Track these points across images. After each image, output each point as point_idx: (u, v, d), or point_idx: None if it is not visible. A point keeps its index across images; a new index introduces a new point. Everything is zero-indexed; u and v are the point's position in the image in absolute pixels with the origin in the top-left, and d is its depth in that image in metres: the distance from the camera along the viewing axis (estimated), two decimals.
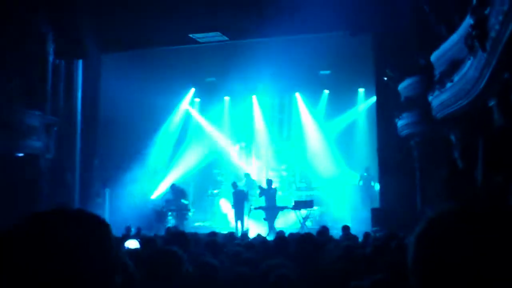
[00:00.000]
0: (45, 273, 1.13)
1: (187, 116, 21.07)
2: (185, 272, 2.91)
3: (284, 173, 19.74)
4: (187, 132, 20.98)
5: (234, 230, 13.83)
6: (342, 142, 19.24)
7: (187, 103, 21.05)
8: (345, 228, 9.80)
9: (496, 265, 1.01)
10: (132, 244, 6.01)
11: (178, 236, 5.12)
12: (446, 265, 1.04)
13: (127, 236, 8.37)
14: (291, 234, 7.40)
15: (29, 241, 1.15)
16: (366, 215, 14.07)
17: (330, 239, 7.96)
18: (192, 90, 20.88)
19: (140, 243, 5.99)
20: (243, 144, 20.92)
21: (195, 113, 21.33)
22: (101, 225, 1.25)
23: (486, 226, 1.05)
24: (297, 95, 20.41)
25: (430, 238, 1.09)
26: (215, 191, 19.32)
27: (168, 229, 11.45)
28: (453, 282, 1.03)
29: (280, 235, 6.28)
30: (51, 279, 1.13)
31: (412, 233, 1.13)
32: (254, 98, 20.73)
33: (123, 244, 5.96)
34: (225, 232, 10.20)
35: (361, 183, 17.92)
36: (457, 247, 1.04)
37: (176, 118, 20.68)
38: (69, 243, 1.17)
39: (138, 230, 10.09)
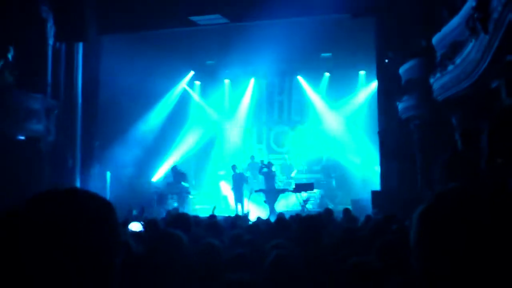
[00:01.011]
0: (47, 254, 1.13)
1: (187, 98, 20.99)
2: (186, 253, 2.93)
3: (286, 156, 19.77)
4: (187, 114, 20.95)
5: (234, 213, 13.90)
6: (343, 125, 19.24)
7: (186, 85, 20.95)
8: (346, 211, 9.86)
9: (497, 244, 1.01)
10: (135, 226, 6.05)
11: (180, 218, 5.14)
12: (448, 244, 1.04)
13: (129, 218, 8.42)
14: (291, 216, 7.42)
15: (32, 221, 1.15)
16: (367, 197, 14.11)
17: (332, 221, 8.01)
18: (191, 72, 20.78)
19: (143, 225, 6.03)
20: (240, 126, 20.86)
21: (195, 96, 21.27)
22: (105, 205, 1.25)
23: (489, 206, 1.05)
24: (300, 78, 20.30)
25: (433, 217, 1.09)
26: (221, 172, 19.32)
27: (169, 212, 11.51)
28: (455, 261, 1.03)
29: (280, 217, 6.32)
30: (52, 259, 1.13)
31: (415, 213, 1.14)
32: (252, 81, 20.61)
33: (127, 226, 5.99)
34: (226, 215, 10.25)
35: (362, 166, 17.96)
36: (460, 226, 1.04)
37: (174, 99, 20.60)
38: (72, 222, 1.16)
39: (142, 209, 10.06)
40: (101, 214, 1.23)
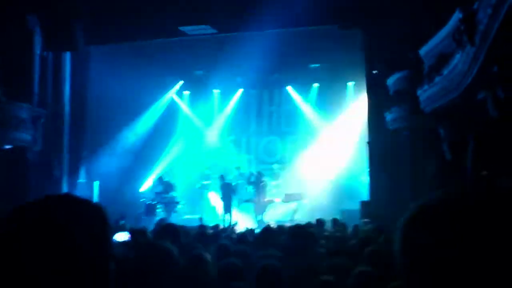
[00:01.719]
0: (43, 261, 1.13)
1: (175, 108, 20.96)
2: (176, 266, 2.90)
3: (276, 166, 19.75)
4: (175, 124, 20.89)
5: (222, 223, 13.84)
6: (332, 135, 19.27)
7: (174, 95, 20.92)
8: (334, 221, 9.88)
9: (483, 252, 1.01)
10: (121, 236, 5.97)
11: (168, 229, 5.10)
12: (433, 254, 1.04)
13: (115, 229, 8.34)
14: (279, 226, 7.42)
15: (28, 228, 1.16)
16: (355, 207, 14.13)
17: (322, 231, 8.01)
18: (180, 82, 20.75)
19: (131, 235, 5.96)
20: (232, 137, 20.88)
21: (183, 105, 21.23)
22: (98, 210, 1.26)
23: (473, 213, 1.05)
24: (289, 88, 20.37)
25: (416, 227, 1.09)
26: (205, 182, 19.25)
27: (158, 221, 11.44)
28: (440, 271, 1.03)
29: (268, 227, 6.31)
30: (48, 266, 1.13)
31: (399, 222, 1.13)
32: (239, 91, 20.63)
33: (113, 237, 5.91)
34: (213, 224, 10.21)
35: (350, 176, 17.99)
36: (444, 235, 1.04)
37: (162, 109, 20.56)
38: (67, 227, 1.17)
39: (123, 217, 9.94)
40: (95, 219, 1.24)
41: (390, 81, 12.40)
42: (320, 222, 8.97)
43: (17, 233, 1.16)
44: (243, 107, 20.76)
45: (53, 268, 1.13)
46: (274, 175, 19.18)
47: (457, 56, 8.06)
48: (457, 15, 7.80)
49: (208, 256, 3.40)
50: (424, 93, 9.99)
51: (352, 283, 3.19)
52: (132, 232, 6.15)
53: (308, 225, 8.33)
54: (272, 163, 19.95)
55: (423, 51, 10.22)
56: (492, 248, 1.01)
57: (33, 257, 1.13)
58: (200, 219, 10.22)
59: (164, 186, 16.94)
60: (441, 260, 1.02)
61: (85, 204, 1.26)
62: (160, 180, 17.49)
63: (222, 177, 16.66)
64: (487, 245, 1.01)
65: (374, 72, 13.46)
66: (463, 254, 1.01)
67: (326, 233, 7.59)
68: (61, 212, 1.20)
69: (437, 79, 9.23)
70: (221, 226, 10.34)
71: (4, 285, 1.13)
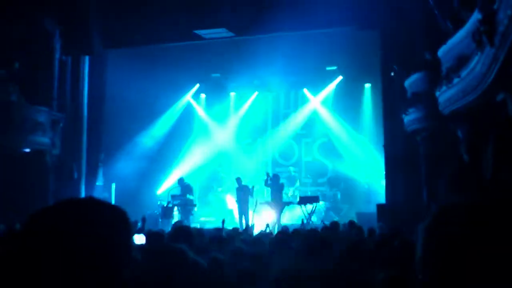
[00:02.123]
0: (66, 263, 1.15)
1: (192, 111, 21.06)
2: (191, 269, 2.90)
3: (292, 169, 19.71)
4: (192, 127, 20.98)
5: (238, 226, 13.83)
6: (349, 138, 19.19)
7: (191, 98, 21.02)
8: (351, 223, 9.78)
9: (504, 257, 1.00)
10: (138, 239, 6.01)
11: (184, 231, 5.10)
12: (455, 257, 1.03)
13: (134, 231, 8.38)
14: (295, 230, 7.38)
15: (53, 230, 1.18)
16: (372, 210, 14.03)
17: (338, 234, 7.95)
18: (197, 85, 20.84)
19: (146, 238, 5.99)
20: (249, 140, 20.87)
21: (200, 109, 21.32)
22: (123, 215, 1.28)
23: (495, 219, 1.04)
24: (305, 90, 20.32)
25: (439, 230, 1.08)
26: (219, 189, 19.28)
27: (175, 224, 11.46)
28: (462, 274, 1.02)
29: (283, 230, 6.27)
30: (71, 268, 1.15)
31: (421, 226, 1.13)
32: (255, 94, 20.64)
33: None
34: (230, 228, 10.20)
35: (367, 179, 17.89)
36: (466, 239, 1.03)
37: (179, 112, 20.67)
38: (90, 230, 1.19)
39: (143, 220, 10.06)
40: (118, 222, 1.26)
41: (408, 82, 12.29)
42: (335, 225, 8.90)
43: (43, 236, 1.18)
44: (259, 109, 20.76)
45: (76, 270, 1.15)
46: (290, 178, 19.15)
47: (476, 58, 7.96)
48: (476, 16, 7.70)
49: (223, 259, 3.39)
50: (442, 94, 9.87)
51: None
52: (148, 235, 6.18)
53: (324, 227, 8.29)
54: (288, 166, 19.91)
55: (441, 52, 10.11)
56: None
57: (57, 259, 1.15)
58: (223, 221, 10.24)
59: (182, 188, 16.99)
60: (463, 264, 1.01)
61: (109, 207, 1.28)
62: (179, 182, 17.54)
63: (238, 180, 16.63)
64: (508, 247, 1.00)
65: (392, 74, 13.35)
66: (486, 257, 1.00)
67: (341, 236, 7.54)
68: (86, 215, 1.21)
69: (455, 80, 9.12)
70: (239, 229, 10.31)
71: (28, 285, 1.15)
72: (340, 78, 19.24)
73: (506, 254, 1.01)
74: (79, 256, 1.16)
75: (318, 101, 20.09)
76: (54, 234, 1.17)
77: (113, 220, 1.25)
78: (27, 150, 13.32)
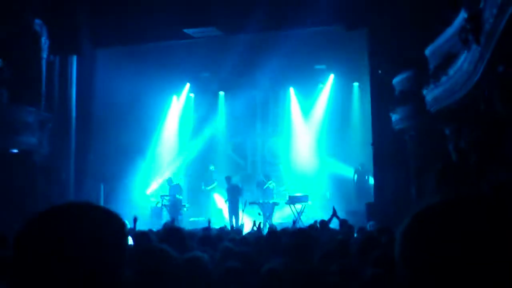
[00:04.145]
0: (61, 267, 1.16)
1: (181, 110, 21.00)
2: (176, 269, 2.90)
3: (281, 167, 19.72)
4: (182, 126, 20.93)
5: (228, 225, 13.82)
6: (337, 137, 19.21)
7: (181, 98, 20.99)
8: (343, 222, 9.79)
9: (482, 257, 1.00)
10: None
11: (173, 232, 5.10)
12: (432, 259, 1.03)
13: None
14: (283, 229, 7.39)
15: (49, 235, 1.19)
16: (361, 209, 14.07)
17: (326, 232, 7.97)
18: (187, 85, 20.80)
19: (133, 239, 5.96)
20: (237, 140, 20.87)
21: (189, 108, 21.27)
22: (119, 221, 1.30)
23: (473, 218, 1.04)
24: (291, 90, 20.37)
25: (415, 232, 1.08)
26: (209, 187, 19.23)
27: (165, 224, 11.43)
28: (440, 276, 1.02)
29: (271, 230, 6.28)
30: (67, 273, 1.16)
31: (399, 227, 1.13)
32: (244, 93, 20.64)
33: None
34: (219, 227, 10.20)
35: (356, 177, 17.95)
36: (443, 240, 1.03)
37: (169, 111, 20.63)
38: (89, 236, 1.20)
39: (135, 220, 10.02)
40: (114, 227, 1.27)
41: (395, 81, 12.36)
42: (324, 224, 8.92)
43: (38, 240, 1.18)
44: (249, 108, 20.74)
45: (71, 275, 1.16)
46: (280, 177, 19.16)
47: (463, 56, 8.02)
48: (462, 15, 7.76)
49: (207, 257, 3.39)
50: (430, 93, 9.94)
51: (363, 285, 3.17)
52: (135, 235, 6.16)
53: (312, 227, 8.31)
54: (278, 165, 19.92)
55: (428, 51, 10.18)
56: (491, 250, 1.00)
57: (52, 264, 1.16)
58: (209, 221, 10.24)
59: (171, 188, 16.95)
60: (441, 262, 1.02)
61: (105, 212, 1.29)
62: (168, 182, 17.49)
63: (228, 179, 16.61)
64: (487, 247, 1.00)
65: (380, 72, 13.41)
66: (463, 256, 1.00)
67: (330, 235, 7.56)
68: (82, 220, 1.23)
69: (443, 79, 9.19)
70: (227, 229, 10.31)
71: None
72: (332, 76, 19.32)
73: (485, 252, 1.01)
74: (75, 261, 1.17)
75: (305, 101, 20.13)
76: (50, 239, 1.18)
77: (109, 225, 1.26)
78: (15, 150, 13.21)
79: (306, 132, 19.93)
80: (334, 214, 9.83)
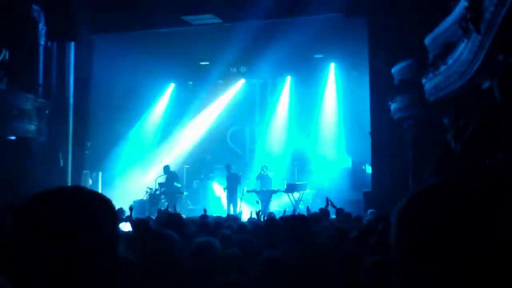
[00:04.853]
0: (52, 251, 1.16)
1: (178, 98, 20.95)
2: (179, 255, 2.90)
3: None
4: (180, 114, 20.88)
5: (226, 214, 13.85)
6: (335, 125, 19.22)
7: (178, 86, 20.93)
8: (338, 211, 9.82)
9: (477, 239, 1.01)
10: (125, 226, 6.00)
11: (172, 219, 5.10)
12: (427, 241, 1.04)
13: (121, 219, 8.36)
14: (281, 217, 7.42)
15: (40, 219, 1.19)
16: (358, 198, 14.10)
17: (326, 221, 7.98)
18: (184, 72, 20.72)
19: (132, 225, 5.98)
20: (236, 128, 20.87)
21: (187, 96, 21.20)
22: (109, 205, 1.30)
23: (466, 201, 1.05)
24: (288, 78, 20.33)
25: (411, 214, 1.09)
26: (203, 176, 19.21)
27: (159, 210, 11.46)
28: (435, 258, 1.03)
29: (270, 217, 6.31)
30: (58, 257, 1.16)
31: (395, 209, 1.14)
32: (241, 81, 20.60)
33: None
34: (217, 215, 10.21)
35: (353, 166, 17.98)
36: (438, 222, 1.04)
37: (167, 98, 20.59)
38: (80, 220, 1.21)
39: (131, 209, 10.07)
40: (104, 211, 1.27)
41: (395, 70, 12.33)
42: (323, 212, 8.95)
43: (30, 224, 1.18)
44: (247, 97, 20.71)
45: (62, 259, 1.16)
46: (277, 165, 19.16)
47: (463, 45, 8.00)
48: (463, 3, 7.72)
49: (215, 243, 3.41)
50: (429, 82, 9.93)
51: (365, 273, 3.18)
52: (135, 222, 6.18)
53: (313, 214, 8.33)
54: (276, 153, 19.92)
55: (428, 39, 10.14)
56: (482, 233, 1.01)
57: (44, 247, 1.16)
58: (204, 210, 10.27)
59: (168, 176, 16.94)
60: (435, 248, 1.02)
61: (95, 196, 1.29)
62: (165, 170, 17.50)
63: (228, 167, 16.62)
64: (479, 231, 1.01)
65: (378, 61, 13.38)
66: (455, 239, 1.01)
67: (328, 223, 7.59)
68: (73, 204, 1.23)
69: (442, 68, 9.17)
70: (224, 217, 10.32)
71: (15, 275, 1.17)
72: (332, 65, 19.28)
73: (479, 236, 1.02)
74: (65, 245, 1.17)
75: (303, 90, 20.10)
76: (40, 223, 1.18)
77: (99, 210, 1.26)
78: (13, 137, 13.18)
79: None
80: (328, 204, 9.86)
